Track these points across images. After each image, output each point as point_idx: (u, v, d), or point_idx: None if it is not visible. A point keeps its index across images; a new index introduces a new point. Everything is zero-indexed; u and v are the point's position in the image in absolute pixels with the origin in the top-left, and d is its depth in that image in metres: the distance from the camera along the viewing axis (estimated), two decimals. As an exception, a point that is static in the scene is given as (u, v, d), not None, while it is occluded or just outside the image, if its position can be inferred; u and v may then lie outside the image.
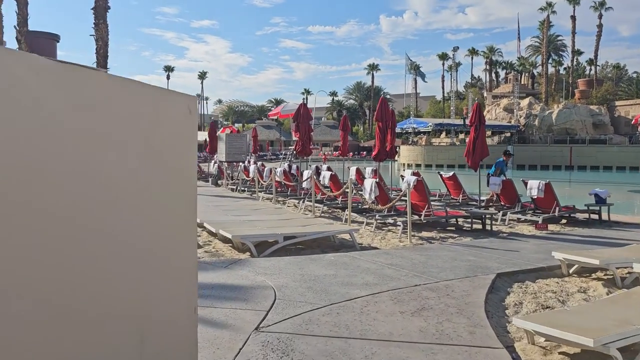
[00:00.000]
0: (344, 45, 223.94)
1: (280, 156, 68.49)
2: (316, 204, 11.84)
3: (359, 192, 10.67)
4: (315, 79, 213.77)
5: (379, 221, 10.26)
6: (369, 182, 10.48)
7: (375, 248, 8.43)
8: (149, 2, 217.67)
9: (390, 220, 10.10)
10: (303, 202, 12.61)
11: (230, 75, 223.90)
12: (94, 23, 18.10)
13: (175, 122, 2.39)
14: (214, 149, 21.43)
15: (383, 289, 5.64)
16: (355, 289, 5.62)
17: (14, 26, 17.23)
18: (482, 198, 12.78)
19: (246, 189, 16.09)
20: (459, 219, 10.52)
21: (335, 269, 6.54)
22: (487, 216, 10.10)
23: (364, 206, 10.90)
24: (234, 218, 9.48)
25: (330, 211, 12.50)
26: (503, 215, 11.12)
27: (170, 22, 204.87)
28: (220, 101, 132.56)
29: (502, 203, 11.91)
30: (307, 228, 8.49)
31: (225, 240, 8.33)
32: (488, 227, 10.05)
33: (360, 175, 15.83)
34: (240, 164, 18.12)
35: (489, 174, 12.81)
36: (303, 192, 13.97)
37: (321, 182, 12.21)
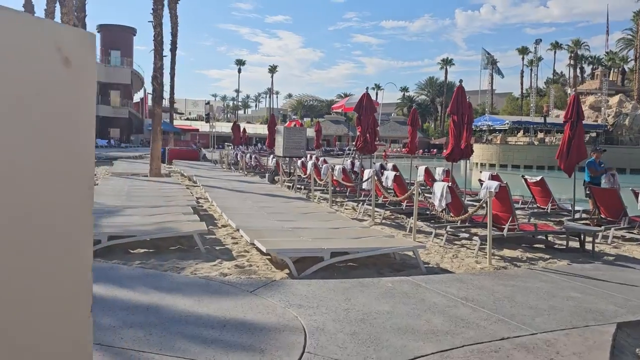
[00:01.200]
0: (417, 40, 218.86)
1: (346, 151, 67.09)
2: (377, 209, 10.28)
3: (428, 197, 8.98)
4: (386, 74, 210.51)
5: (450, 233, 8.56)
6: (439, 187, 8.79)
7: (446, 271, 6.77)
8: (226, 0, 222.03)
9: (464, 234, 8.38)
10: (362, 205, 11.07)
11: (302, 70, 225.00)
12: (153, 9, 17.39)
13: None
14: (272, 143, 20.28)
15: (456, 342, 4.04)
16: (416, 339, 4.06)
17: (75, 13, 16.77)
18: (576, 208, 10.70)
19: (302, 187, 14.74)
20: (550, 235, 8.62)
21: (392, 302, 4.99)
22: (589, 233, 8.13)
23: (433, 213, 9.22)
24: (277, 224, 8.10)
25: (392, 217, 10.90)
26: (605, 230, 9.09)
27: (245, 17, 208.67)
28: (290, 95, 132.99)
29: (603, 216, 9.83)
30: (362, 242, 6.96)
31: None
32: (588, 247, 8.10)
33: (429, 176, 14.07)
34: (298, 159, 16.82)
35: (585, 181, 10.75)
36: (363, 193, 12.44)
37: (384, 183, 10.62)
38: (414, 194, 8.52)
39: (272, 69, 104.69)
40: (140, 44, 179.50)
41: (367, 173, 11.71)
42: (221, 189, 13.21)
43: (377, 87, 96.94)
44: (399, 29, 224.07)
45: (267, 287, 5.44)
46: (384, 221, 10.25)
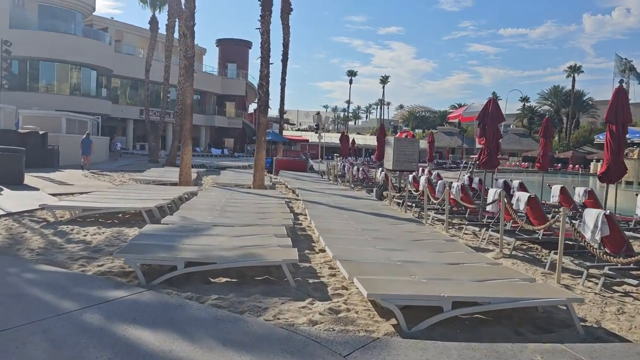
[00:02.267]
0: (538, 48, 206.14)
1: (461, 165, 63.70)
2: (505, 237, 8.46)
3: (576, 226, 7.04)
4: (503, 84, 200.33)
5: (609, 276, 6.59)
6: (592, 215, 6.84)
7: (612, 334, 4.93)
8: (339, 12, 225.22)
9: (632, 281, 6.37)
10: (486, 231, 9.29)
11: (414, 81, 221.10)
12: (260, 15, 16.79)
13: None
14: (382, 155, 18.87)
15: None
16: None
17: (182, 20, 16.64)
18: None
19: (413, 205, 13.14)
20: None
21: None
22: None
23: (582, 245, 7.26)
24: (383, 254, 6.67)
25: (524, 247, 8.99)
26: None
27: (358, 29, 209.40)
28: (401, 106, 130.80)
29: None
30: (493, 287, 5.32)
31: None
32: None
33: (566, 198, 11.82)
34: (410, 174, 15.23)
35: None
36: (487, 215, 10.60)
37: (514, 205, 8.77)
38: (558, 224, 6.66)
39: (384, 80, 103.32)
40: (254, 58, 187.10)
41: (492, 193, 9.89)
42: (323, 205, 12.04)
43: (495, 97, 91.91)
44: (519, 37, 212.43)
45: (367, 350, 4.06)
46: (514, 252, 8.40)
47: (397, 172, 16.66)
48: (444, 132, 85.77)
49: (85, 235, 8.50)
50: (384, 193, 16.58)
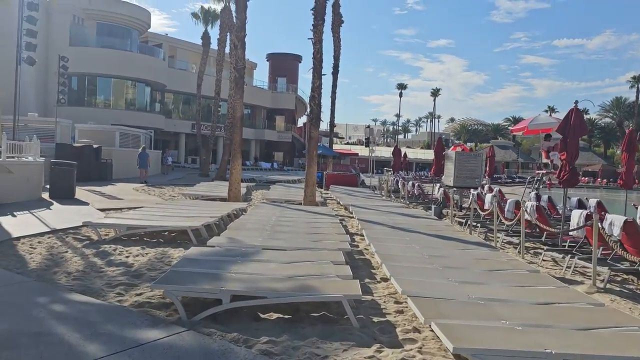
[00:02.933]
0: (596, 59, 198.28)
1: (516, 179, 61.10)
2: (598, 267, 7.27)
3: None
4: (558, 96, 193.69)
5: None
6: None
7: None
8: (388, 26, 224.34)
9: None
10: (571, 258, 8.11)
11: (465, 94, 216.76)
12: (313, 24, 16.17)
13: None
14: (440, 170, 17.76)
15: None
16: None
17: (233, 31, 16.22)
18: None
19: (478, 225, 12.00)
20: None
21: None
22: None
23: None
24: (459, 289, 5.70)
25: (619, 279, 7.76)
26: None
27: (407, 43, 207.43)
28: (452, 120, 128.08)
29: None
30: (607, 341, 4.27)
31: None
32: None
33: (657, 219, 10.39)
34: (473, 191, 14.09)
35: None
36: (568, 239, 9.40)
37: (606, 230, 7.58)
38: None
39: (435, 92, 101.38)
40: (304, 72, 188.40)
41: (576, 215, 8.69)
42: (380, 224, 11.11)
43: (551, 109, 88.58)
44: (574, 48, 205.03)
45: None
46: (609, 286, 7.21)
47: (458, 189, 15.53)
48: (498, 145, 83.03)
49: (127, 257, 7.92)
50: (444, 211, 15.47)
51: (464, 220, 13.07)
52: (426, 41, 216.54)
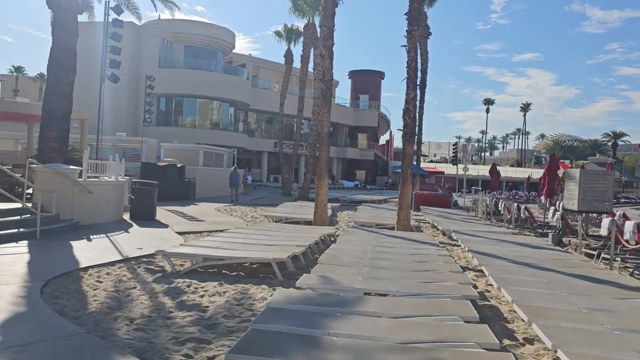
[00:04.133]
0: None
1: (621, 199, 55.32)
2: None
3: None
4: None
5: None
6: None
7: None
8: (471, 41, 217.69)
9: None
10: None
11: (554, 109, 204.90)
12: (407, 31, 14.66)
13: None
14: (552, 191, 15.43)
15: None
16: None
17: (321, 40, 15.06)
18: None
19: (617, 259, 9.73)
20: None
21: None
22: None
23: None
24: (617, 342, 3.84)
25: None
26: None
27: (491, 58, 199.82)
28: (542, 136, 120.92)
29: None
30: None
31: None
32: None
33: None
34: (605, 217, 11.79)
35: None
36: None
37: None
38: None
39: (525, 107, 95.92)
40: (386, 90, 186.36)
41: None
42: (498, 257, 9.21)
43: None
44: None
45: None
46: None
47: (583, 214, 13.21)
48: (597, 162, 76.52)
49: (202, 296, 6.67)
50: (563, 239, 13.18)
51: (595, 252, 10.81)
52: (511, 55, 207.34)
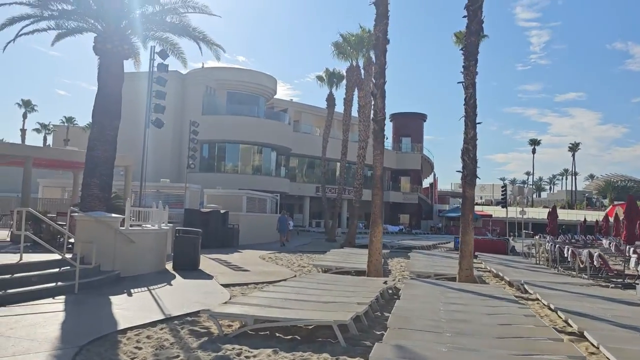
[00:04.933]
0: None
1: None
2: None
3: None
4: None
5: None
6: None
7: None
8: (510, 82, 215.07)
9: None
10: None
11: (601, 149, 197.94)
12: (463, 66, 13.82)
13: None
14: (633, 236, 13.87)
15: None
16: None
17: (372, 79, 14.31)
18: None
19: None
20: None
21: None
22: None
23: None
24: None
25: None
26: None
27: (532, 98, 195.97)
28: (592, 176, 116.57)
29: None
30: None
31: None
32: None
33: None
34: None
35: None
36: None
37: None
38: None
39: (573, 147, 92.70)
40: (428, 132, 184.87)
41: None
42: (596, 318, 7.84)
43: None
44: None
45: None
46: None
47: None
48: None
49: (254, 368, 5.67)
50: (654, 292, 11.58)
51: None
52: (553, 95, 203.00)
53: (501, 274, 14.67)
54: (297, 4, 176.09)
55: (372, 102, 14.10)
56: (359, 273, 14.33)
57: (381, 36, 13.89)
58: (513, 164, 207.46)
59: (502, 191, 49.84)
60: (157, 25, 15.36)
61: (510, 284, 13.49)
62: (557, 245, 20.70)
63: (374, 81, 14.01)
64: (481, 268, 17.94)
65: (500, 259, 20.67)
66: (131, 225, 13.08)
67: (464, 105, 13.94)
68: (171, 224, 16.89)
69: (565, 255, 18.99)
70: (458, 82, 14.00)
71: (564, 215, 71.55)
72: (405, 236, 44.72)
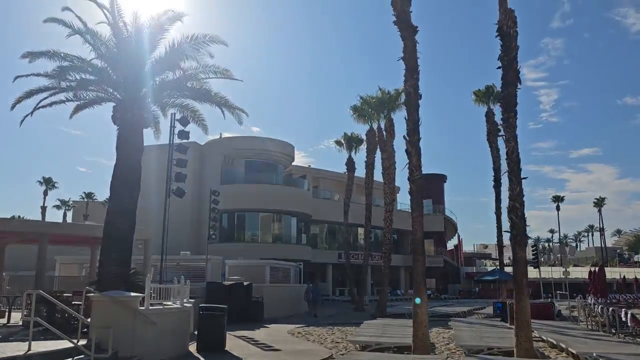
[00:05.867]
0: None
1: None
2: None
3: None
4: None
5: None
6: None
7: None
8: (524, 140, 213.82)
9: None
10: None
11: (621, 204, 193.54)
12: (502, 119, 13.04)
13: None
14: None
15: None
16: None
17: (404, 136, 13.54)
18: None
19: None
20: None
21: None
22: None
23: None
24: None
25: None
26: None
27: (547, 156, 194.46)
28: (619, 232, 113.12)
29: None
30: None
31: None
32: None
33: None
34: None
35: None
36: None
37: None
38: None
39: (599, 202, 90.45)
40: (449, 194, 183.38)
41: None
42: None
43: None
44: None
45: None
46: None
47: None
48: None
49: None
50: None
51: None
52: (568, 152, 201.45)
53: (563, 345, 13.08)
54: (301, 74, 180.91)
55: (407, 161, 13.16)
56: (401, 348, 12.92)
57: (412, 91, 13.18)
58: (533, 222, 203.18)
59: (533, 250, 47.84)
60: (177, 91, 14.90)
61: (576, 357, 11.92)
62: (610, 309, 18.99)
63: (407, 138, 13.15)
64: (539, 339, 16.28)
65: (549, 325, 18.96)
66: (152, 304, 11.95)
67: (507, 159, 12.97)
68: (193, 300, 15.72)
69: (624, 319, 17.31)
70: (499, 135, 13.10)
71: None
72: (435, 302, 42.53)
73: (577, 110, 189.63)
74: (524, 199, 12.71)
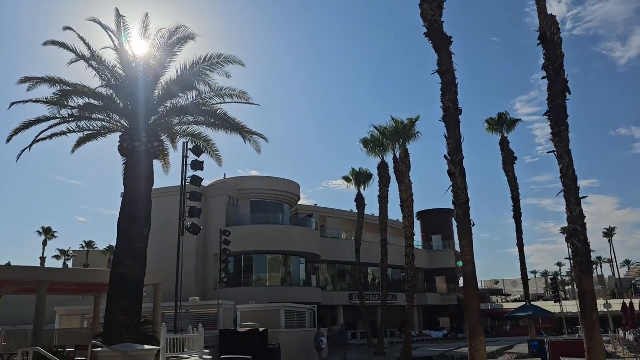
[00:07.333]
0: None
1: None
2: None
3: None
4: None
5: None
6: None
7: None
8: (521, 175, 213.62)
9: None
10: None
11: (624, 234, 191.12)
12: (552, 133, 11.71)
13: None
14: None
15: None
16: None
17: (446, 156, 12.21)
18: None
19: None
20: None
21: None
22: None
23: None
24: None
25: None
26: None
27: (545, 189, 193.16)
28: (627, 262, 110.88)
29: None
30: None
31: None
32: None
33: None
34: None
35: None
36: None
37: None
38: None
39: (609, 232, 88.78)
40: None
41: None
42: None
43: None
44: None
45: None
46: None
47: None
48: None
49: None
50: None
51: None
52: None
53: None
54: (300, 120, 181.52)
55: (450, 184, 11.82)
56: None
57: (452, 106, 11.97)
58: (536, 256, 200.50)
59: (552, 284, 45.91)
60: (190, 116, 13.61)
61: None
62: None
63: (448, 158, 11.85)
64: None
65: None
66: (168, 358, 10.33)
67: (561, 177, 11.64)
68: (207, 350, 14.04)
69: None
70: (549, 152, 11.76)
71: (616, 305, 66.22)
72: (454, 343, 40.32)
73: (572, 143, 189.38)
74: (585, 221, 11.29)
